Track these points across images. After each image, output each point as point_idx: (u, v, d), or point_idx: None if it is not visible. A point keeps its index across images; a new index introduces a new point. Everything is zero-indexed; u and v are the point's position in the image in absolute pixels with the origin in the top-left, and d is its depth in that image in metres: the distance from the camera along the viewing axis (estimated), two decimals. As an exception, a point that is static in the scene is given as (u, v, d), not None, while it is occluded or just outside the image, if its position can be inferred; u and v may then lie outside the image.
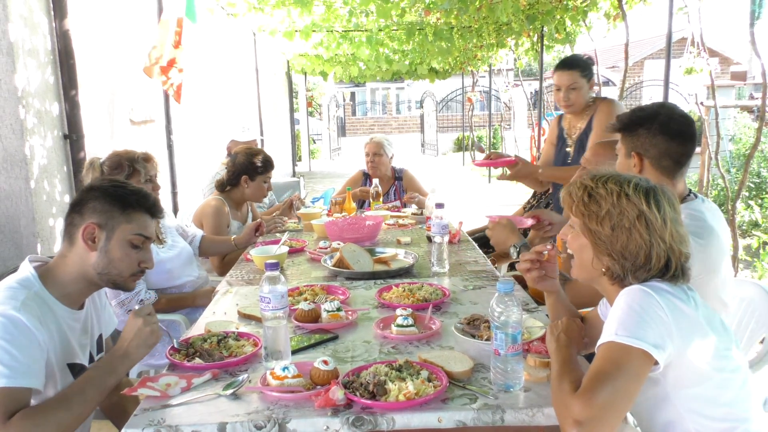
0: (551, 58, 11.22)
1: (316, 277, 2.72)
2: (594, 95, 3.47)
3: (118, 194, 1.74)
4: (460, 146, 22.12)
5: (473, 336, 1.85)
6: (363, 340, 1.95)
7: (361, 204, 4.55)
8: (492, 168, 3.89)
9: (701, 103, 6.78)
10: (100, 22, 4.04)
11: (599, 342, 1.41)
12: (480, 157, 3.53)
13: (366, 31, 8.26)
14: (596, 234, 1.49)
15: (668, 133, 1.97)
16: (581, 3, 6.89)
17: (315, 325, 2.04)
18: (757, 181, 7.86)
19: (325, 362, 1.62)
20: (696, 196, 2.01)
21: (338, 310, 2.08)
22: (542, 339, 1.83)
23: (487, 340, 1.80)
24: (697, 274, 1.57)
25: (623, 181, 1.48)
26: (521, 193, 10.60)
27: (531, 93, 18.52)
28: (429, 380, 1.58)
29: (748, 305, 2.37)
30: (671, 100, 5.94)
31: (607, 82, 21.14)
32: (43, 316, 1.61)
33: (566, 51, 8.80)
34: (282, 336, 1.73)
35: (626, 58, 6.74)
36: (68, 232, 1.74)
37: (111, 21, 4.23)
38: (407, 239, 3.31)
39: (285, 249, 2.93)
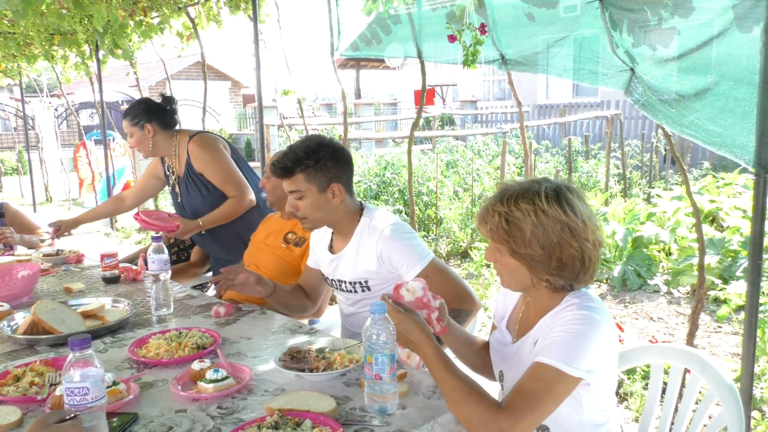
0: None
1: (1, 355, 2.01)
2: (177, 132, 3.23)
3: None
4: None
5: (306, 370, 1.71)
6: (174, 409, 1.57)
7: None
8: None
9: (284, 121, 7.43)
10: None
11: (536, 358, 1.40)
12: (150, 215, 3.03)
13: None
14: (528, 257, 1.44)
15: (344, 160, 2.16)
16: (152, 20, 6.69)
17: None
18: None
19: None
20: (364, 205, 2.23)
21: (115, 383, 1.62)
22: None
23: (324, 370, 1.70)
24: None
25: (532, 196, 1.43)
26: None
27: (59, 110, 16.77)
28: (314, 428, 1.42)
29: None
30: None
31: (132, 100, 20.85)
32: None
33: (122, 65, 8.35)
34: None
35: (205, 77, 6.90)
36: None
37: None
38: (80, 286, 2.72)
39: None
